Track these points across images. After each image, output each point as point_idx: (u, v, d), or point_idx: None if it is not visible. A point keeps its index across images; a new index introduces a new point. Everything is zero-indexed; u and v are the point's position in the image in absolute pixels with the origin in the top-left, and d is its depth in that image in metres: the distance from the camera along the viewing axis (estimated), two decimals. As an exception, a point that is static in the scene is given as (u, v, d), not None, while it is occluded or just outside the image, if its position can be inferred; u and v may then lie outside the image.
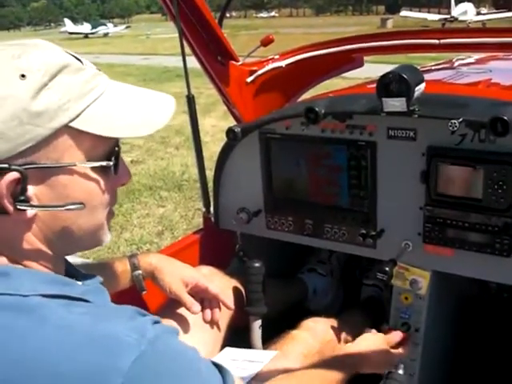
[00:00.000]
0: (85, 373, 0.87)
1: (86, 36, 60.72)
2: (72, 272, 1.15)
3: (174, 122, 8.98)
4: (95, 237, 1.10)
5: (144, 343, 0.91)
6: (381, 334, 1.79)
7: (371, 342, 1.73)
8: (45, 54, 0.97)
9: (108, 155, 1.03)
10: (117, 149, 1.06)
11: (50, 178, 0.97)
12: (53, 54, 0.99)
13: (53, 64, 0.96)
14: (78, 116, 0.97)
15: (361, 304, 2.30)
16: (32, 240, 1.01)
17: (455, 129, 1.49)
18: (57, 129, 0.95)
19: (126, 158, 7.68)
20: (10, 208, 0.94)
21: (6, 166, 0.92)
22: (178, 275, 1.74)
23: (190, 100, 2.03)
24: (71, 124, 0.97)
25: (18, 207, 0.95)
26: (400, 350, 1.79)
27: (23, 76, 0.93)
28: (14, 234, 0.99)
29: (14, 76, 0.92)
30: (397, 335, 1.80)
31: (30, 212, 0.97)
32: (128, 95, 1.08)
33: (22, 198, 0.95)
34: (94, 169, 1.02)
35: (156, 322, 0.99)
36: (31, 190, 0.96)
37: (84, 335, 0.90)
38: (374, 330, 1.80)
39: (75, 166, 0.99)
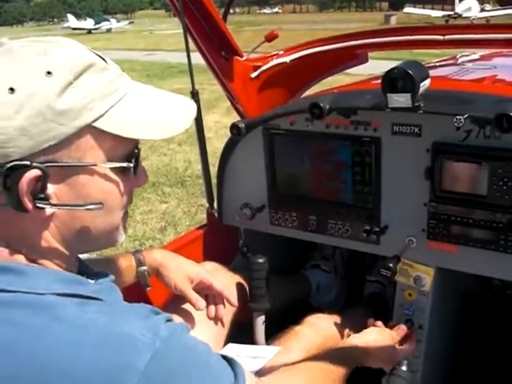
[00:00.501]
0: (99, 373, 0.87)
1: (89, 32, 60.69)
2: (84, 270, 1.15)
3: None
4: (111, 237, 1.10)
5: (158, 341, 0.92)
6: (387, 329, 1.78)
7: (377, 336, 1.73)
8: (70, 51, 0.97)
9: (128, 156, 1.04)
10: (137, 150, 1.07)
11: (70, 176, 0.97)
12: (78, 52, 0.99)
13: (78, 62, 0.96)
14: (101, 116, 0.97)
15: (364, 300, 2.30)
16: (49, 238, 1.01)
17: (460, 125, 1.48)
18: (80, 128, 0.95)
19: (129, 153, 7.69)
20: (30, 205, 0.94)
21: (27, 163, 0.92)
22: (182, 271, 1.74)
23: (195, 95, 2.02)
24: (95, 124, 0.97)
25: (38, 205, 0.95)
26: (405, 346, 1.78)
27: (49, 73, 0.92)
28: (32, 231, 0.99)
29: (40, 73, 0.92)
30: (402, 330, 1.79)
31: (49, 210, 0.97)
32: (150, 97, 1.08)
33: (42, 195, 0.95)
34: (114, 169, 1.02)
35: (168, 320, 1.00)
36: (51, 188, 0.96)
37: (98, 334, 0.90)
38: (379, 323, 1.80)
39: (96, 166, 0.99)
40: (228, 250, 2.18)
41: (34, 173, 0.92)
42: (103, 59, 1.02)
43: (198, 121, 2.09)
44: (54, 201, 0.97)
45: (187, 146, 8.17)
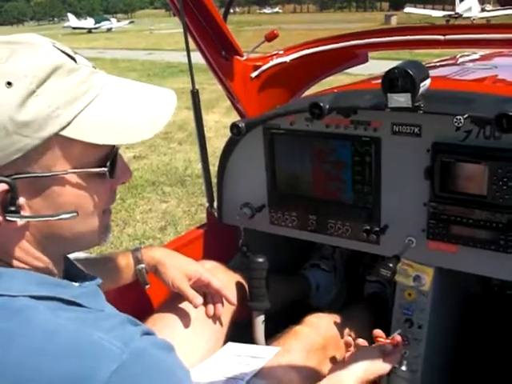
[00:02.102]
0: (64, 381, 0.83)
1: (90, 31, 60.60)
2: (73, 272, 1.12)
3: (176, 118, 8.97)
4: (92, 238, 1.05)
5: (127, 353, 0.87)
6: (370, 347, 1.71)
7: (367, 363, 1.64)
8: (34, 55, 0.91)
9: (103, 160, 0.97)
10: (114, 152, 1.00)
11: (41, 187, 0.93)
12: (43, 55, 0.91)
13: (42, 67, 0.90)
14: (69, 123, 0.91)
15: (364, 300, 2.30)
16: (25, 246, 0.97)
17: (460, 125, 1.48)
18: (46, 138, 0.89)
19: (129, 153, 7.70)
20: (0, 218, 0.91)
21: None
22: (181, 269, 1.74)
23: (195, 95, 2.02)
24: (62, 132, 0.91)
25: (8, 218, 0.91)
26: (395, 355, 1.70)
27: (9, 84, 0.87)
28: (6, 240, 0.96)
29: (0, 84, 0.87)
30: (387, 344, 1.71)
31: (22, 221, 0.93)
32: (126, 94, 1.01)
33: (13, 208, 0.91)
34: (87, 175, 0.96)
35: (147, 334, 0.95)
36: (23, 199, 0.92)
37: (67, 341, 0.86)
38: (380, 332, 1.73)
39: (67, 174, 0.93)
40: (228, 249, 2.18)
41: (1, 187, 0.88)
42: (72, 58, 0.95)
43: (198, 120, 2.09)
44: (26, 212, 0.93)
45: (187, 145, 8.18)
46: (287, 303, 2.16)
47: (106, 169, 0.97)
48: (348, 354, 1.71)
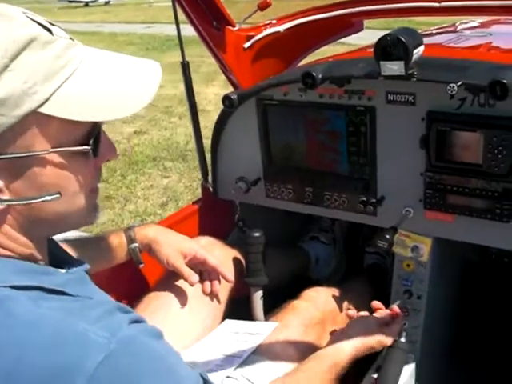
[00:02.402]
0: (44, 374, 0.80)
1: (87, 4, 59.76)
2: (60, 257, 1.09)
3: (177, 91, 8.90)
4: (79, 219, 1.01)
5: (114, 342, 0.84)
6: (370, 317, 1.69)
7: (363, 332, 1.61)
8: (5, 27, 0.85)
9: (85, 138, 0.93)
10: (96, 128, 0.95)
11: (21, 168, 0.88)
12: (14, 27, 0.85)
13: (16, 39, 0.84)
14: (47, 100, 0.86)
15: (363, 272, 2.29)
16: (7, 230, 0.93)
17: (454, 92, 1.45)
18: (23, 116, 0.84)
19: (129, 128, 7.66)
20: None
21: None
22: (175, 247, 1.71)
23: (185, 66, 1.99)
24: (40, 109, 0.86)
25: None
26: (394, 326, 1.66)
27: None
28: None
29: None
30: (386, 315, 1.68)
31: (2, 205, 0.89)
32: (107, 67, 0.96)
33: None
34: (70, 154, 0.91)
35: (136, 322, 0.92)
36: (1, 182, 0.87)
37: (50, 332, 0.83)
38: (364, 313, 1.72)
39: (48, 153, 0.88)
40: (224, 224, 2.16)
41: None
42: (48, 30, 0.89)
43: (190, 92, 2.06)
44: (6, 196, 0.88)
45: (186, 120, 8.11)
46: (286, 277, 2.15)
47: (88, 147, 0.93)
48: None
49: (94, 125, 0.94)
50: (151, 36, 20.85)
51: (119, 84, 0.95)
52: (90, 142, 0.93)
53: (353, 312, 1.73)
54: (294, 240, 2.40)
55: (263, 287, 1.89)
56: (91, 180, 0.99)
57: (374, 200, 1.82)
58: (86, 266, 1.09)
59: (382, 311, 1.70)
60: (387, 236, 1.70)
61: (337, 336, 1.63)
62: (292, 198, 2.00)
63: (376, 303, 1.72)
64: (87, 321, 0.86)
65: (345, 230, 2.41)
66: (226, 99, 1.84)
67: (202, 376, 1.00)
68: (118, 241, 1.70)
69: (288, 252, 2.28)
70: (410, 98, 1.65)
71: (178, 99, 9.02)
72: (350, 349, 1.54)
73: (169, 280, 1.77)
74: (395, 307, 1.69)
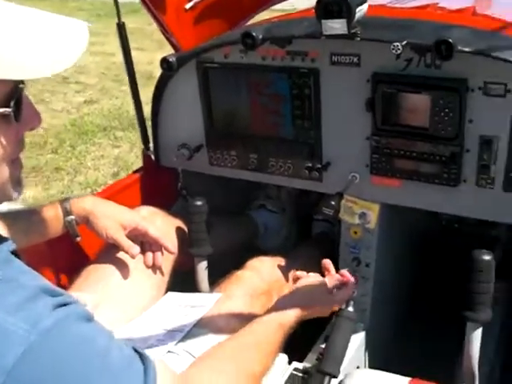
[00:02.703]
0: None
1: (37, -29, 58.12)
2: None
3: (127, 59, 8.67)
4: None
5: (34, 334, 0.78)
6: (318, 276, 1.65)
7: (309, 288, 1.58)
8: None
9: (6, 100, 0.84)
10: (17, 91, 0.87)
11: None
12: None
13: None
14: None
15: (312, 240, 2.25)
16: None
17: (399, 52, 1.40)
18: None
19: (79, 98, 7.44)
20: None
21: None
22: (114, 218, 1.64)
23: (121, 27, 1.89)
24: None
25: None
26: (341, 293, 1.60)
27: None
28: None
29: None
30: (336, 279, 1.64)
31: None
32: (25, 24, 0.87)
33: None
34: None
35: (64, 305, 0.86)
36: None
37: None
38: (329, 262, 1.69)
39: None
40: (168, 194, 2.09)
41: None
42: None
43: (127, 55, 1.96)
44: None
45: (140, 88, 7.92)
46: (234, 247, 2.10)
47: (9, 109, 0.84)
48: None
49: (13, 86, 0.85)
50: (103, 2, 20.28)
51: (39, 42, 0.86)
52: (10, 104, 0.85)
53: (301, 273, 1.67)
54: (241, 208, 2.34)
55: (208, 258, 1.83)
56: (13, 149, 0.90)
57: (319, 165, 1.77)
58: (10, 246, 0.97)
59: (331, 276, 1.65)
60: (332, 202, 1.66)
61: (282, 298, 1.57)
62: (236, 164, 1.94)
63: (326, 261, 1.68)
64: (6, 310, 0.79)
65: (293, 197, 2.36)
66: (164, 62, 1.76)
67: (137, 352, 0.94)
68: (54, 213, 1.61)
69: (235, 221, 2.22)
70: (355, 59, 1.60)
71: (128, 67, 8.80)
72: (295, 312, 1.47)
73: (109, 253, 1.70)
74: (346, 272, 1.65)
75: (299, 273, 1.67)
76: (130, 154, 5.62)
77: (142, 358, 0.94)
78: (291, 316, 1.45)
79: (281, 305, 1.50)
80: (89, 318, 0.90)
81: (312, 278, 1.63)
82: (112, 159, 5.56)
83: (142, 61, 6.89)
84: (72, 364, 0.82)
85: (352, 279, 1.64)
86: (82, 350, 0.84)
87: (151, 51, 7.85)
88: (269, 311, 1.50)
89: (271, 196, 2.33)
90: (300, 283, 1.61)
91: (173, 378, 1.02)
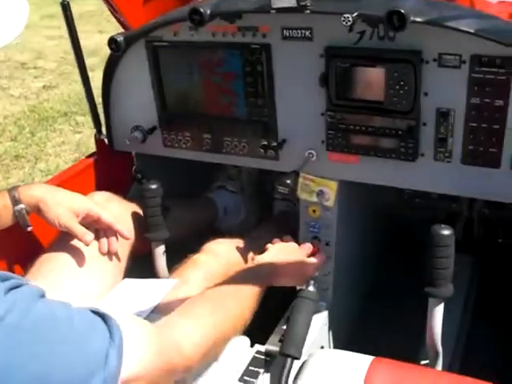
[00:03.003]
0: None
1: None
2: None
3: (87, 42, 8.46)
4: None
5: None
6: (291, 243, 1.71)
7: (283, 251, 1.64)
8: None
9: None
10: None
11: None
12: None
13: None
14: None
15: (273, 220, 2.21)
16: None
17: (349, 23, 1.35)
18: None
19: (38, 83, 7.28)
20: None
21: None
22: (65, 205, 1.58)
23: (65, 7, 1.81)
24: None
25: None
26: (314, 260, 1.68)
27: None
28: None
29: None
30: (308, 247, 1.72)
31: None
32: None
33: None
34: None
35: (15, 287, 0.85)
36: None
37: None
38: (288, 237, 1.74)
39: None
40: (122, 178, 2.03)
41: None
42: None
43: (73, 36, 1.88)
44: None
45: (100, 72, 7.74)
46: (193, 230, 2.05)
47: None
48: None
49: None
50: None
51: None
52: None
53: (276, 240, 1.71)
54: (199, 190, 2.29)
55: (167, 242, 1.79)
56: None
57: (274, 144, 1.73)
58: None
59: (303, 245, 1.72)
60: (288, 181, 1.63)
61: (261, 257, 1.62)
62: (190, 145, 1.89)
63: (287, 238, 1.72)
64: None
65: (253, 177, 2.32)
66: (111, 42, 1.70)
67: (98, 313, 0.96)
68: (2, 203, 1.55)
69: (193, 203, 2.17)
70: (307, 33, 1.55)
71: (88, 50, 8.59)
72: (272, 270, 1.54)
73: (62, 241, 1.64)
74: (315, 242, 1.73)
75: (275, 240, 1.71)
76: (92, 140, 5.48)
77: (105, 318, 0.95)
78: (268, 268, 1.53)
79: (259, 263, 1.55)
80: (42, 294, 0.90)
81: (287, 242, 1.70)
82: (73, 145, 5.46)
83: (104, 43, 6.76)
84: (37, 342, 0.82)
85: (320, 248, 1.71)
86: (44, 326, 0.84)
87: (112, 33, 7.71)
88: (248, 267, 1.55)
89: (232, 177, 2.29)
90: (277, 245, 1.66)
91: (143, 330, 1.04)
